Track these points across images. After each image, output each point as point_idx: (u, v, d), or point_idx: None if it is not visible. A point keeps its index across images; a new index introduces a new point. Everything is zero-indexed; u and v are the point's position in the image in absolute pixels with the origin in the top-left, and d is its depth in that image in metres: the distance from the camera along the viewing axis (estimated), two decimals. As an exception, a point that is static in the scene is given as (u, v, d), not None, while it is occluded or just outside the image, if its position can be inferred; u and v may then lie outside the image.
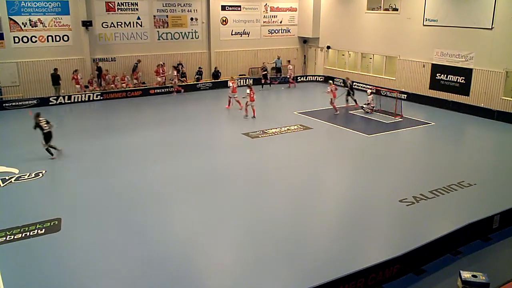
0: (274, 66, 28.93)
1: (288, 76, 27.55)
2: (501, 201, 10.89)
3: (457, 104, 21.21)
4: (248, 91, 19.11)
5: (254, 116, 19.28)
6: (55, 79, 22.07)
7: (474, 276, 7.22)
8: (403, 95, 23.09)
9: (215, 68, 27.05)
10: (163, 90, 24.55)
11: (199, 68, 26.49)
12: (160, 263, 8.50)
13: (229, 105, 21.24)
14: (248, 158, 14.57)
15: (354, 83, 26.37)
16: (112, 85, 23.61)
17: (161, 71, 24.67)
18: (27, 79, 22.38)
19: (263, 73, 26.83)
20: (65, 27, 22.90)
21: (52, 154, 14.31)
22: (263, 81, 26.72)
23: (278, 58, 28.79)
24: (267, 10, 29.12)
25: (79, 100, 22.41)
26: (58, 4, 22.51)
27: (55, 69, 22.13)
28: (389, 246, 9.22)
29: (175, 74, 24.34)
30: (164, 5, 25.45)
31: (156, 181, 12.52)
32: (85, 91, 22.53)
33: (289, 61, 28.23)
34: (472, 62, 20.86)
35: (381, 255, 8.13)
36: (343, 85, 21.47)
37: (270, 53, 29.63)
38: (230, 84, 21.31)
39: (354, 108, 21.45)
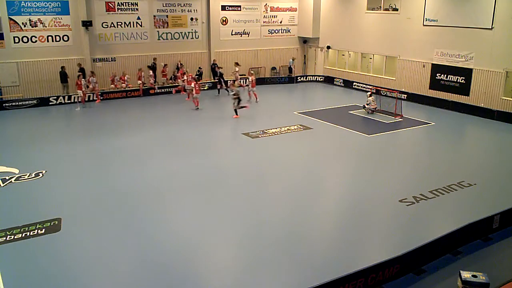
0: (288, 66, 29.56)
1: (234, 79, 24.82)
2: (501, 201, 10.89)
3: (457, 104, 21.21)
4: (193, 84, 21.07)
5: (197, 107, 21.00)
6: (63, 77, 22.37)
7: (474, 276, 7.21)
8: (403, 95, 23.09)
9: (213, 61, 26.58)
10: (163, 90, 24.58)
11: (199, 68, 26.48)
12: (160, 263, 8.50)
13: (188, 97, 22.63)
14: (248, 158, 14.56)
15: (355, 83, 26.59)
16: (112, 85, 23.59)
17: (251, 78, 24.04)
18: (27, 79, 22.38)
19: (217, 77, 24.70)
20: (65, 27, 22.90)
21: None
22: (219, 86, 24.68)
23: (293, 60, 29.30)
24: (267, 10, 29.13)
25: (79, 100, 22.39)
26: (58, 4, 22.51)
27: (62, 67, 22.38)
28: (389, 246, 9.22)
29: (150, 73, 24.07)
30: (164, 5, 25.45)
31: (156, 181, 12.52)
32: (84, 99, 22.00)
33: (236, 63, 26.07)
34: (472, 62, 20.86)
35: (381, 255, 8.14)
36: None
37: (270, 53, 29.68)
38: (185, 77, 22.92)
39: (354, 108, 21.46)
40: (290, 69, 29.53)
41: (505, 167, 13.82)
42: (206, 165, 13.77)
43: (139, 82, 23.88)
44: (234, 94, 19.62)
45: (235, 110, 19.60)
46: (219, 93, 24.77)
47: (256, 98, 22.67)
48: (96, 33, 23.72)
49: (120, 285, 7.91)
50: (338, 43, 28.36)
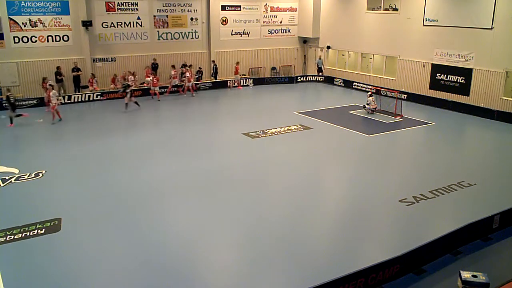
0: (316, 66, 29.29)
1: (184, 83, 24.21)
2: (501, 201, 10.89)
3: (457, 104, 21.20)
4: (151, 78, 22.98)
5: (158, 99, 22.88)
6: (57, 77, 22.36)
7: (474, 276, 7.21)
8: (403, 95, 23.09)
9: (213, 61, 26.59)
10: (163, 90, 24.55)
11: (199, 68, 26.48)
12: (160, 263, 8.50)
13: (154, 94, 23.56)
14: (248, 158, 14.56)
15: (355, 83, 26.56)
16: (112, 85, 23.60)
17: (188, 74, 24.11)
18: (27, 79, 22.39)
19: (124, 87, 21.19)
20: (65, 27, 22.91)
21: None
22: (127, 101, 20.48)
23: (320, 59, 29.03)
24: (267, 10, 29.14)
25: (79, 100, 22.44)
26: (58, 4, 22.51)
27: (58, 67, 22.33)
28: (389, 246, 9.22)
29: (133, 79, 23.40)
30: (164, 5, 25.45)
31: (156, 181, 12.51)
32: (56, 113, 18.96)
33: (173, 66, 24.64)
34: (472, 62, 20.86)
35: (381, 255, 8.13)
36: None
37: (270, 53, 29.70)
38: (130, 78, 23.05)
39: (354, 108, 21.46)
40: (319, 69, 28.89)
41: (505, 167, 13.82)
42: (206, 165, 13.76)
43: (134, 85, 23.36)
44: (6, 100, 18.10)
45: (11, 118, 17.96)
46: (126, 107, 20.58)
47: (192, 93, 24.24)
48: (96, 33, 23.72)
49: (120, 285, 7.91)
50: (338, 43, 28.36)
